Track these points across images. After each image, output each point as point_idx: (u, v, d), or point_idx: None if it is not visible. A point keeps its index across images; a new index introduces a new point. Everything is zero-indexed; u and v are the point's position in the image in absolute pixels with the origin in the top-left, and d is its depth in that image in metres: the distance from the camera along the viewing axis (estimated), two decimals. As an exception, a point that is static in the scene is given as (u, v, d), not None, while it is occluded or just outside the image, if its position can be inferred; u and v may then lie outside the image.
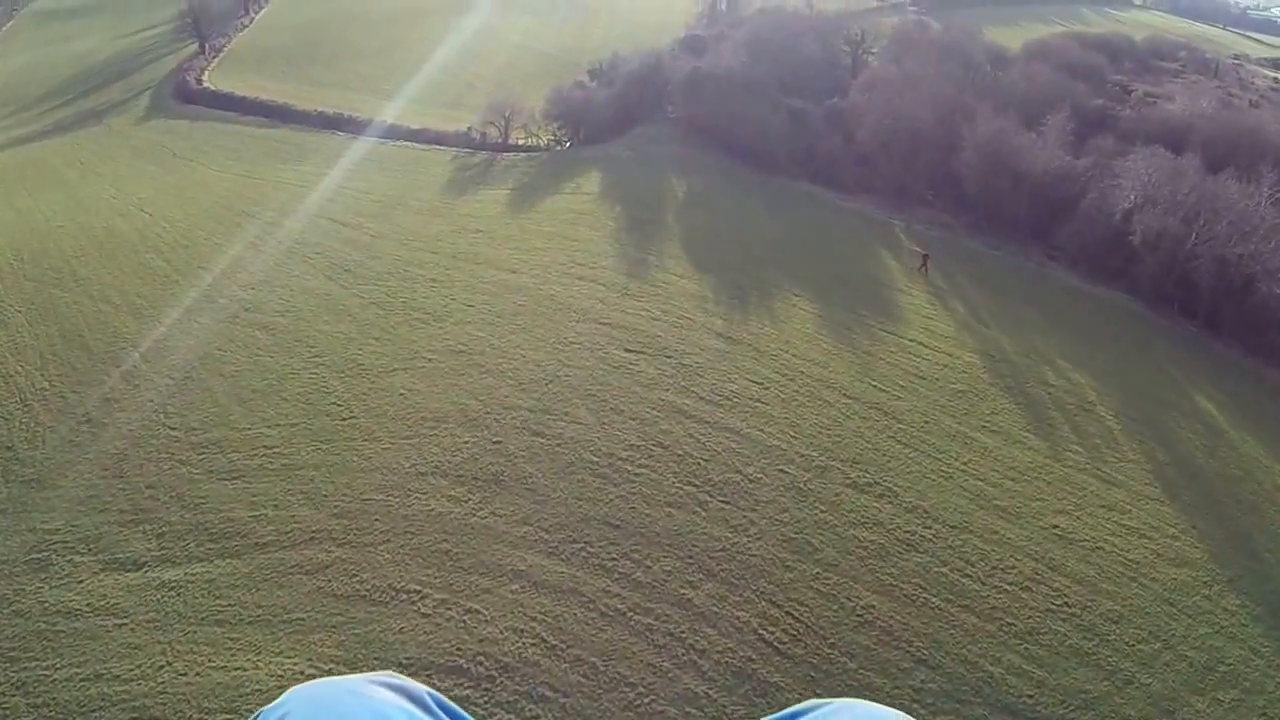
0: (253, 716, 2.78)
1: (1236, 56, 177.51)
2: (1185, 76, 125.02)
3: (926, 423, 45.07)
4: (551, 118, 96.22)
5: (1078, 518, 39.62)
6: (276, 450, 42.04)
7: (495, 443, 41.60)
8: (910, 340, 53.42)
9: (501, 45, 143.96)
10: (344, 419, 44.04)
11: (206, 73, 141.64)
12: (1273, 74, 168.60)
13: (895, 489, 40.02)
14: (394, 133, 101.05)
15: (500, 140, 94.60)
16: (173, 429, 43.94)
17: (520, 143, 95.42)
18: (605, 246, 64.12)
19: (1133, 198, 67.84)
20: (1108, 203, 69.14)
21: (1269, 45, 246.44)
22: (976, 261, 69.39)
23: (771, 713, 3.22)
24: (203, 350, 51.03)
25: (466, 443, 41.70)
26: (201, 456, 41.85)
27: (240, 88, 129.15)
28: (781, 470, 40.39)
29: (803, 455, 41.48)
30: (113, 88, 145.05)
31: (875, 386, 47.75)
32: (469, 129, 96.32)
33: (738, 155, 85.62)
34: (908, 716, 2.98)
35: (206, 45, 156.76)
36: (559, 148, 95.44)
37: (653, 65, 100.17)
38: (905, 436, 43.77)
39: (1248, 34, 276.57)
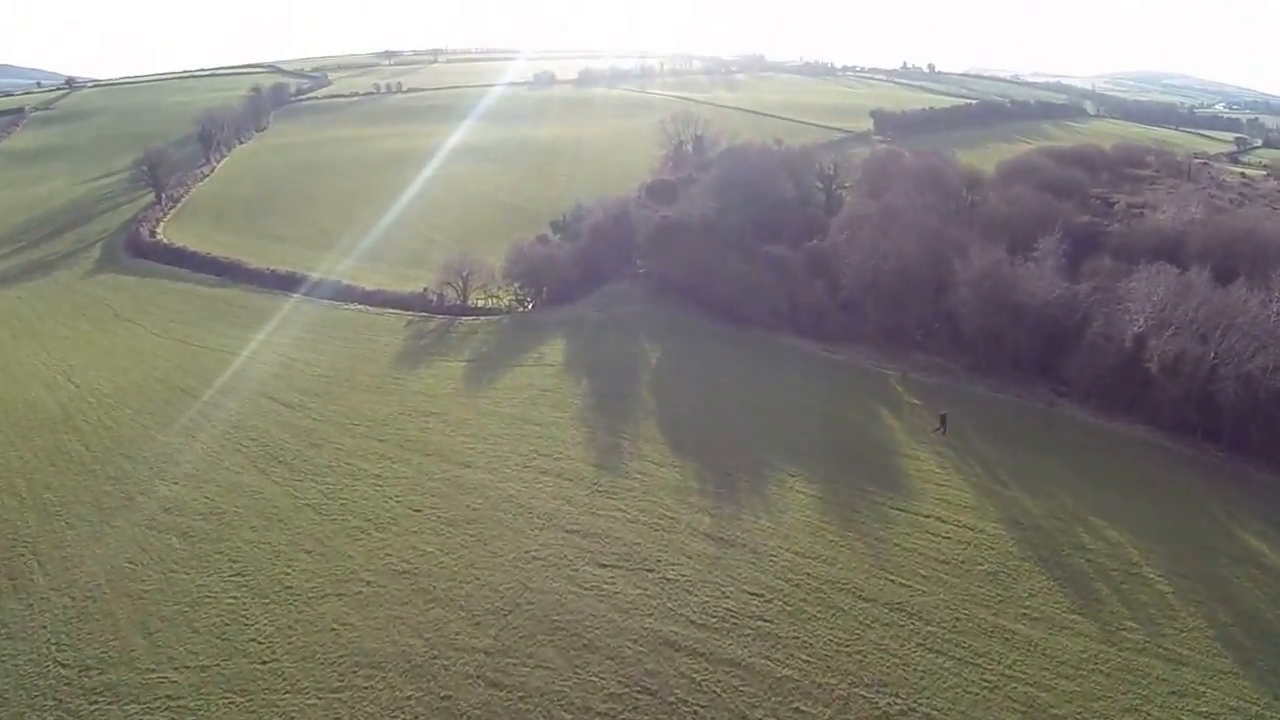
0: None
1: (1198, 155, 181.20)
2: (1161, 181, 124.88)
3: (958, 620, 38.75)
4: (512, 277, 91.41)
5: (1148, 714, 33.76)
6: (181, 703, 34.69)
7: (444, 699, 34.24)
8: (926, 516, 47.14)
9: (461, 195, 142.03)
10: (264, 662, 36.83)
11: (161, 224, 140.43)
12: (1239, 169, 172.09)
13: (933, 714, 33.37)
14: (348, 294, 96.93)
15: (458, 302, 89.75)
16: (65, 666, 37.06)
17: (479, 304, 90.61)
18: (571, 431, 57.71)
19: (1142, 321, 63.34)
20: (1115, 329, 64.70)
21: (1220, 140, 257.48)
22: (983, 408, 64.00)
23: None
24: (111, 562, 44.33)
25: (409, 699, 34.34)
26: (93, 706, 34.71)
27: (194, 242, 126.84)
28: (797, 710, 33.52)
29: (820, 685, 34.58)
30: (65, 237, 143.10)
31: (894, 581, 41.18)
32: (425, 290, 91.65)
33: (714, 310, 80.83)
34: None
35: (164, 194, 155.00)
36: (521, 309, 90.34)
37: (618, 215, 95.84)
38: (936, 642, 37.31)
39: (1199, 131, 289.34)
